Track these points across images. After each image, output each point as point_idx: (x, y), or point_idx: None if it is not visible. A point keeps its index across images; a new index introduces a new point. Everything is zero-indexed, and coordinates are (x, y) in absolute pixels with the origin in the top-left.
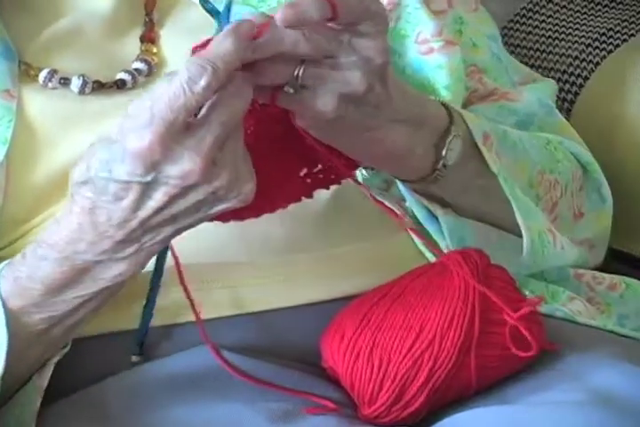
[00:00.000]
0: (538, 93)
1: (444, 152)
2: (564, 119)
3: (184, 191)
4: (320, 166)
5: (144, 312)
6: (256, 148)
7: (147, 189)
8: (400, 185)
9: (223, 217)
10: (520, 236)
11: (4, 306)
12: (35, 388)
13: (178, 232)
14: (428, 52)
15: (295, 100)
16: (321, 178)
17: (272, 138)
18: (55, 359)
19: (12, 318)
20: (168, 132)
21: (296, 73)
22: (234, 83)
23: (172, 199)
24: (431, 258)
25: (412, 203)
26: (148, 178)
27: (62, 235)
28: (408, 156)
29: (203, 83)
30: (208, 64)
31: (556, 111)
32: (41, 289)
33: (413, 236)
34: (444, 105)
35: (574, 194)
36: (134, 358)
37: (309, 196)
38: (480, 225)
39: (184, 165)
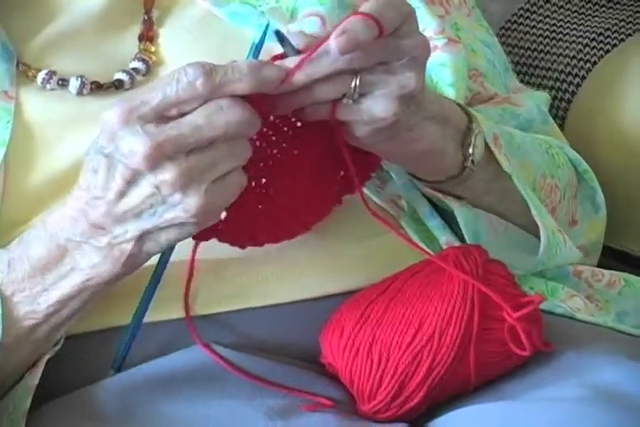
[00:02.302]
0: (536, 100)
1: (470, 149)
2: (556, 127)
3: (134, 177)
4: (342, 172)
5: (129, 331)
6: (301, 170)
7: (109, 165)
8: (398, 180)
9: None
10: (531, 233)
11: (3, 294)
12: (26, 386)
13: (144, 238)
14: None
15: (355, 111)
16: (345, 183)
17: (313, 157)
18: (46, 357)
19: (3, 309)
20: (136, 109)
21: (353, 84)
22: (227, 99)
23: (127, 184)
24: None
25: (415, 198)
26: (109, 149)
27: (55, 213)
28: (442, 154)
29: (190, 78)
30: (209, 67)
31: (551, 119)
32: (26, 269)
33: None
34: (457, 103)
35: (570, 201)
36: (112, 373)
37: (339, 202)
38: (492, 217)
39: (132, 145)
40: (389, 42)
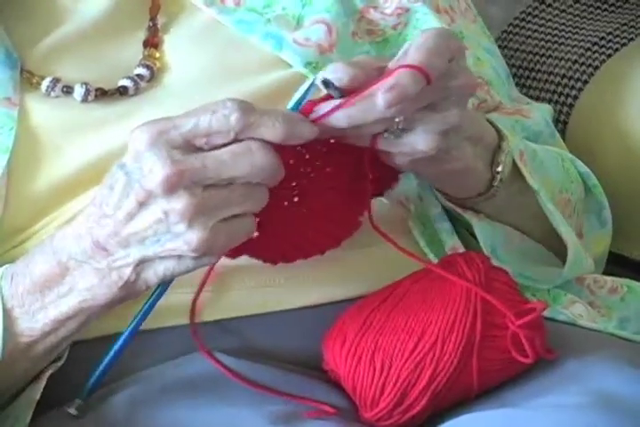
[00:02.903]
0: (544, 114)
1: (499, 168)
2: (562, 142)
3: (146, 199)
4: (370, 175)
5: (102, 366)
6: (334, 186)
7: (126, 183)
8: (414, 179)
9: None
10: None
11: (4, 308)
12: (27, 401)
13: (142, 265)
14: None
15: (396, 144)
16: (373, 188)
17: (345, 173)
18: (48, 373)
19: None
20: (166, 132)
21: (396, 120)
22: (258, 143)
23: (138, 206)
24: (432, 261)
25: (429, 199)
26: (131, 167)
27: (63, 229)
28: (472, 172)
29: (227, 111)
30: (247, 105)
31: (556, 133)
32: (27, 285)
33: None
34: (488, 120)
35: (579, 214)
36: (72, 411)
37: (368, 209)
38: (508, 230)
39: (154, 166)
40: (437, 85)
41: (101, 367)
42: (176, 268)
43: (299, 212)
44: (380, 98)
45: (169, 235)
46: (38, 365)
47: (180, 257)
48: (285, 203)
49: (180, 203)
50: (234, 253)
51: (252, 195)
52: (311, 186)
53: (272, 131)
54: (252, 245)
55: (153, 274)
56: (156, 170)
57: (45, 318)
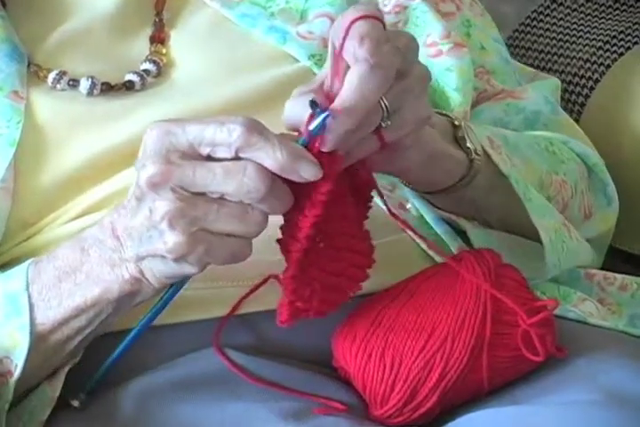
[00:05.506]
0: (543, 91)
1: (468, 144)
2: (567, 117)
3: (141, 195)
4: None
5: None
6: (347, 216)
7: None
8: (409, 192)
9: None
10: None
11: (30, 298)
12: (44, 398)
13: (142, 262)
14: (436, 55)
15: (400, 125)
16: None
17: (349, 201)
18: (66, 369)
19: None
20: (173, 134)
21: (383, 106)
22: (255, 166)
23: (138, 202)
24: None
25: (422, 205)
26: (137, 162)
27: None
28: (449, 155)
29: (232, 126)
30: (254, 126)
31: (560, 109)
32: (49, 270)
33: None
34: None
35: (584, 193)
36: (75, 403)
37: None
38: (504, 234)
39: (146, 164)
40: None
41: (107, 363)
42: (163, 269)
43: (329, 255)
44: (364, 53)
45: (156, 232)
46: (52, 360)
47: (162, 257)
48: (314, 255)
49: (163, 202)
50: (289, 319)
51: (244, 216)
52: (328, 224)
53: (271, 158)
54: (304, 310)
55: (151, 273)
56: (147, 167)
57: (59, 306)
